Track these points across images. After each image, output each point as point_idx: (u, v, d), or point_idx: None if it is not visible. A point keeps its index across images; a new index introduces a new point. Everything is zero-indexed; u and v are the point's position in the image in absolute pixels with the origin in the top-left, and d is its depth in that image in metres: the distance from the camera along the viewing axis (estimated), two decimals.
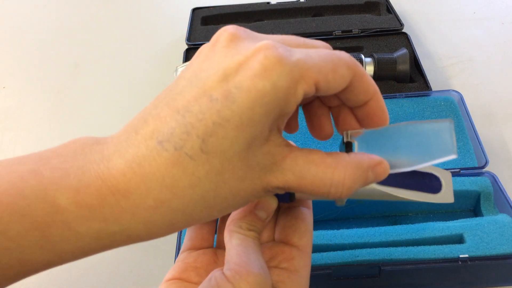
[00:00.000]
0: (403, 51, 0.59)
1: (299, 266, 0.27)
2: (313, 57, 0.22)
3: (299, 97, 0.21)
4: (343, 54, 0.23)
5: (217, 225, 0.32)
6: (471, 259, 0.39)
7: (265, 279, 0.24)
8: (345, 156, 0.23)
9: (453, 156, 0.23)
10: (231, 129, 0.20)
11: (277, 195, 0.28)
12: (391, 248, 0.40)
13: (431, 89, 0.56)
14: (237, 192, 0.22)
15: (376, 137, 0.26)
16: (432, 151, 0.24)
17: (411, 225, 0.42)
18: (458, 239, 0.41)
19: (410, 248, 0.40)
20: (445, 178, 0.27)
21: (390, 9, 0.71)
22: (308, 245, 0.29)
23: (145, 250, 0.47)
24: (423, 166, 0.24)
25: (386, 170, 0.24)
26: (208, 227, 0.31)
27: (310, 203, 0.30)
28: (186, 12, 0.74)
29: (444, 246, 0.40)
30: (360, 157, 0.24)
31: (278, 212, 0.30)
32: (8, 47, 0.78)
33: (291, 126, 0.28)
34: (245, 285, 0.23)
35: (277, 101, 0.20)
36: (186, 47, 0.67)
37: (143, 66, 0.71)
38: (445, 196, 0.27)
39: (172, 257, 0.42)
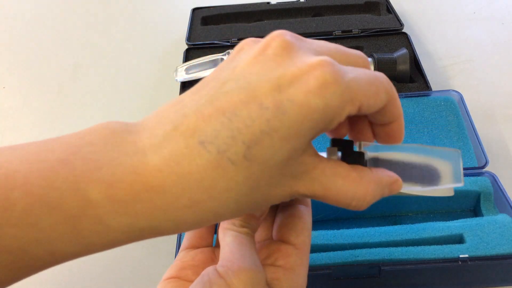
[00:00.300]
0: (403, 51, 0.59)
1: (296, 264, 0.27)
2: (361, 79, 0.22)
3: (343, 117, 0.22)
4: (383, 78, 0.24)
5: (216, 225, 0.32)
6: (471, 259, 0.39)
7: (257, 275, 0.24)
8: (368, 171, 0.24)
9: (460, 185, 0.25)
10: (278, 139, 0.20)
11: None
12: (391, 248, 0.40)
13: (431, 89, 0.56)
14: (268, 197, 0.22)
15: (385, 151, 0.26)
16: (441, 176, 0.25)
17: (411, 225, 0.42)
18: (458, 239, 0.41)
19: (410, 248, 0.40)
20: (446, 169, 0.27)
21: (390, 9, 0.71)
22: (305, 244, 0.28)
23: (145, 250, 0.47)
24: (430, 190, 0.25)
25: (400, 187, 0.26)
26: (207, 227, 0.31)
27: (308, 201, 0.30)
28: (186, 12, 0.74)
29: (444, 246, 0.40)
30: (381, 174, 0.25)
31: (276, 210, 0.30)
32: (8, 47, 0.78)
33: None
34: (237, 281, 0.23)
35: (324, 119, 0.21)
36: (186, 47, 0.67)
37: (143, 66, 0.71)
38: (445, 189, 0.26)
39: (172, 256, 0.42)
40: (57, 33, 0.80)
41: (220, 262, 0.25)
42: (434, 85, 0.58)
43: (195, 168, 0.20)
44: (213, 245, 0.32)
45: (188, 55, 0.65)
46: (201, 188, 0.21)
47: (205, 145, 0.20)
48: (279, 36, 0.23)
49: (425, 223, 0.42)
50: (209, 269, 0.25)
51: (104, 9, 0.85)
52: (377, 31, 0.66)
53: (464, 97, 0.53)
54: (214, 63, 0.59)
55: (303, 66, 0.21)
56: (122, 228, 0.21)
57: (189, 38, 0.68)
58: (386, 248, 0.40)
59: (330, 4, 0.73)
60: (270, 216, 0.30)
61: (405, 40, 0.65)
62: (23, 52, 0.76)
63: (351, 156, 0.26)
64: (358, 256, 0.39)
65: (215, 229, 0.32)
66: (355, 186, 0.24)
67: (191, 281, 0.28)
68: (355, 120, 0.27)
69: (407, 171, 0.26)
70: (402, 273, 0.40)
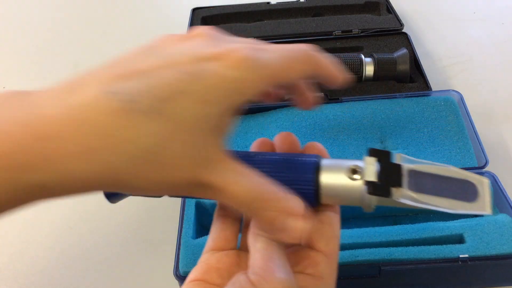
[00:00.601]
0: (403, 51, 0.59)
1: (325, 272, 0.27)
2: (275, 62, 0.24)
3: (256, 92, 0.23)
4: (300, 54, 0.26)
5: (241, 227, 0.31)
6: (471, 259, 0.39)
7: (290, 285, 0.24)
8: (270, 184, 0.25)
9: (489, 213, 0.25)
10: (193, 100, 0.21)
11: (303, 199, 0.27)
12: (391, 248, 0.40)
13: (431, 89, 0.56)
14: (172, 168, 0.21)
15: (424, 165, 0.26)
16: (478, 194, 0.26)
17: (411, 225, 0.42)
18: (458, 239, 0.41)
19: (410, 248, 0.40)
20: (482, 186, 0.26)
21: (390, 9, 0.71)
22: (335, 252, 0.28)
23: (145, 250, 0.47)
24: (459, 213, 0.25)
25: (301, 205, 0.25)
26: (232, 228, 0.30)
27: (337, 208, 0.29)
28: (186, 12, 0.74)
29: (444, 246, 0.40)
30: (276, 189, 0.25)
31: None
32: (8, 47, 0.78)
33: None
34: None
35: (239, 90, 0.22)
36: None
37: None
38: (481, 205, 0.26)
39: (172, 256, 0.42)
40: (57, 33, 0.80)
41: (251, 270, 0.24)
42: (434, 85, 0.58)
43: (99, 115, 0.19)
44: (237, 248, 0.31)
45: None
46: (99, 135, 0.19)
47: (116, 95, 0.20)
48: (203, 28, 0.25)
49: (425, 223, 0.42)
50: (240, 277, 0.24)
51: (104, 9, 0.85)
52: (377, 31, 0.66)
53: (464, 97, 0.53)
54: None
55: (223, 49, 0.23)
56: (5, 186, 0.19)
57: None
58: (386, 248, 0.40)
59: (330, 4, 0.73)
60: None
61: (405, 40, 0.65)
62: (23, 52, 0.76)
63: (388, 167, 0.26)
64: (358, 256, 0.39)
65: (239, 232, 0.31)
66: (260, 188, 0.24)
67: (216, 285, 0.27)
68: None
69: (444, 185, 0.26)
70: (402, 273, 0.40)
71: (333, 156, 0.50)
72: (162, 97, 0.20)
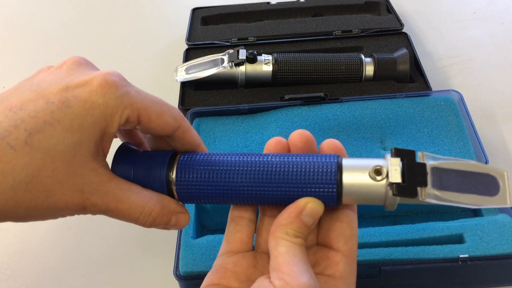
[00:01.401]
0: (403, 51, 0.59)
1: (345, 272, 0.27)
2: (145, 96, 0.27)
3: (122, 119, 0.25)
4: (174, 108, 0.28)
5: (256, 228, 0.31)
6: (471, 259, 0.39)
7: None
8: (159, 194, 0.28)
9: (509, 205, 0.26)
10: (61, 129, 0.22)
11: (322, 199, 0.27)
12: (391, 248, 0.40)
13: (431, 89, 0.56)
14: (51, 194, 0.23)
15: (448, 165, 0.26)
16: (500, 187, 0.26)
17: (411, 225, 0.42)
18: (458, 239, 0.41)
19: (410, 248, 0.40)
20: (502, 178, 0.26)
21: (390, 9, 0.71)
22: (354, 250, 0.28)
23: (145, 250, 0.47)
24: (482, 207, 0.25)
25: (186, 221, 0.29)
26: (247, 230, 0.30)
27: (354, 206, 0.29)
28: (186, 12, 0.74)
29: (444, 246, 0.40)
30: (170, 201, 0.28)
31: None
32: (8, 47, 0.78)
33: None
34: None
35: (104, 116, 0.24)
36: (186, 47, 0.67)
37: (143, 66, 0.71)
38: (502, 199, 0.26)
39: (172, 257, 0.42)
40: (57, 33, 0.80)
41: (275, 274, 0.24)
42: (434, 85, 0.58)
43: None
44: (252, 249, 0.30)
45: (188, 55, 0.65)
46: None
47: None
48: (73, 57, 0.27)
49: (425, 223, 0.42)
50: (264, 281, 0.24)
51: (104, 9, 0.85)
52: (377, 31, 0.66)
53: (464, 97, 0.53)
54: (214, 63, 0.59)
55: (90, 75, 0.25)
56: None
57: (189, 38, 0.68)
58: (386, 248, 0.40)
59: (330, 4, 0.73)
60: None
61: (405, 40, 0.65)
62: (23, 52, 0.76)
63: (413, 167, 0.26)
64: (358, 256, 0.39)
65: (254, 233, 0.31)
66: (145, 203, 0.26)
67: None
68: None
69: (466, 180, 0.26)
70: (402, 273, 0.40)
71: None
72: (30, 129, 0.22)
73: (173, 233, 0.45)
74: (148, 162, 0.29)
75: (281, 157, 0.28)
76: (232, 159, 0.28)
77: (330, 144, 0.29)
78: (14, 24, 0.83)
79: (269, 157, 0.28)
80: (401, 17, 0.68)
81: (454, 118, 0.52)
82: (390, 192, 0.26)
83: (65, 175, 0.23)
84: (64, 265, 0.46)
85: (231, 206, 0.31)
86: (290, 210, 0.26)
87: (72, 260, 0.46)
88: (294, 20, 0.71)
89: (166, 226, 0.29)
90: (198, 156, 0.29)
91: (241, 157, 0.28)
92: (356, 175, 0.27)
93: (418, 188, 0.25)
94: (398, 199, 0.26)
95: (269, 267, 0.25)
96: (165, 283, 0.44)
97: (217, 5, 0.75)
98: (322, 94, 0.55)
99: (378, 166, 0.26)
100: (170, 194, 0.29)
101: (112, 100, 0.24)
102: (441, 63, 0.67)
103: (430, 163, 0.26)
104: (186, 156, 0.29)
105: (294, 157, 0.28)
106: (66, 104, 0.23)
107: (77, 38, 0.78)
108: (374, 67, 0.58)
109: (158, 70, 0.70)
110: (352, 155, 0.50)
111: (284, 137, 0.30)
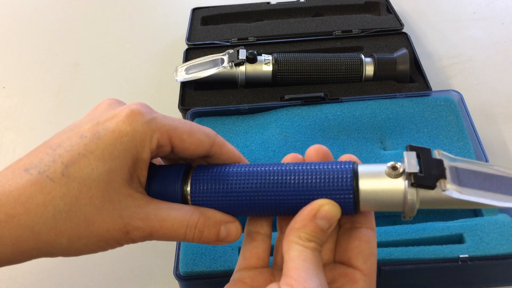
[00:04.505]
0: (403, 51, 0.59)
1: None
2: (172, 120, 0.28)
3: (153, 144, 0.26)
4: (204, 127, 0.29)
5: (273, 246, 0.31)
6: (471, 259, 0.39)
7: None
8: (199, 207, 0.28)
9: None
10: (94, 159, 0.24)
11: (341, 207, 0.26)
12: (391, 248, 0.40)
13: (431, 89, 0.56)
14: (92, 222, 0.24)
15: (466, 165, 0.26)
16: None
17: (411, 225, 0.42)
18: (458, 239, 0.41)
19: (410, 248, 0.40)
20: None
21: (390, 9, 0.71)
22: (373, 270, 0.28)
23: (145, 250, 0.47)
24: (507, 206, 0.25)
25: (238, 231, 0.29)
26: (263, 245, 0.30)
27: (373, 224, 0.29)
28: (186, 12, 0.74)
29: (444, 246, 0.40)
30: (213, 212, 0.28)
31: (338, 231, 0.29)
32: (8, 47, 0.78)
33: None
34: None
35: (134, 143, 0.25)
36: (186, 47, 0.67)
37: (143, 66, 0.71)
38: None
39: (172, 257, 0.42)
40: (57, 33, 0.80)
41: (283, 280, 0.24)
42: (434, 85, 0.58)
43: (15, 187, 0.23)
44: (269, 266, 0.30)
45: (188, 55, 0.65)
46: (17, 203, 0.23)
47: (28, 170, 0.24)
48: (107, 99, 0.28)
49: (425, 223, 0.42)
50: (273, 286, 0.24)
51: (104, 9, 0.85)
52: (377, 31, 0.66)
53: (464, 97, 0.53)
54: (214, 63, 0.59)
55: (119, 110, 0.26)
56: None
57: (189, 38, 0.68)
58: (386, 248, 0.40)
59: (330, 4, 0.73)
60: (331, 237, 0.29)
61: (405, 40, 0.65)
62: (23, 52, 0.76)
63: (430, 162, 0.25)
64: None
65: (270, 249, 0.31)
66: (188, 216, 0.26)
67: None
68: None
69: (488, 181, 0.25)
70: (402, 273, 0.40)
71: (333, 155, 0.50)
72: (66, 162, 0.24)
73: None
74: (162, 176, 0.29)
75: (295, 166, 0.28)
76: (246, 170, 0.28)
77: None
78: (14, 24, 0.83)
79: (283, 166, 0.28)
80: (401, 17, 0.68)
81: (454, 118, 0.52)
82: (408, 186, 0.25)
83: (102, 202, 0.24)
84: (64, 265, 0.46)
85: (247, 221, 0.31)
86: (304, 213, 0.26)
87: (72, 260, 0.46)
88: (294, 20, 0.71)
89: (217, 239, 0.28)
90: (212, 168, 0.29)
91: (255, 167, 0.28)
92: (373, 176, 0.26)
93: (439, 180, 0.24)
94: (417, 200, 0.25)
95: None
96: (165, 283, 0.44)
97: (217, 5, 0.75)
98: (322, 94, 0.55)
99: (394, 162, 0.26)
100: None
101: (140, 127, 0.25)
102: (441, 63, 0.67)
103: (448, 161, 0.25)
104: (201, 169, 0.29)
105: (308, 165, 0.28)
106: (97, 136, 0.25)
107: (77, 38, 0.78)
108: (374, 67, 0.58)
109: (158, 70, 0.70)
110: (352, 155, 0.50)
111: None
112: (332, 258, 0.29)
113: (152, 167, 0.29)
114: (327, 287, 0.24)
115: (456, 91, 0.54)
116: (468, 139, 0.50)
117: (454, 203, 0.25)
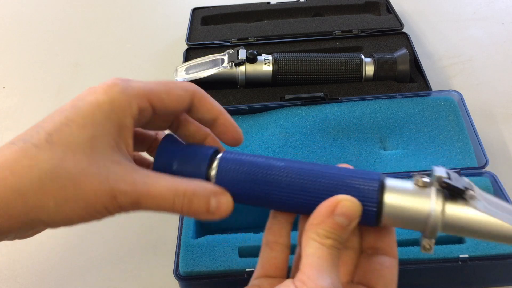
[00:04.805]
0: (403, 51, 0.59)
1: None
2: (148, 83, 0.28)
3: (134, 109, 0.27)
4: (183, 82, 0.29)
5: (291, 258, 0.31)
6: (471, 259, 0.39)
7: None
8: (192, 179, 0.28)
9: None
10: (75, 127, 0.25)
11: (362, 217, 0.26)
12: None
13: (431, 89, 0.56)
14: (78, 184, 0.24)
15: (488, 197, 0.26)
16: None
17: None
18: (458, 239, 0.41)
19: (410, 248, 0.40)
20: None
21: (390, 9, 0.71)
22: None
23: (145, 250, 0.47)
24: None
25: (229, 204, 0.27)
26: (282, 256, 0.30)
27: (396, 253, 0.29)
28: (186, 12, 0.74)
29: (444, 246, 0.40)
30: (203, 182, 0.28)
31: (360, 254, 0.29)
32: (8, 47, 0.78)
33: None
34: None
35: (114, 111, 0.26)
36: (186, 47, 0.67)
37: (143, 66, 0.71)
38: None
39: (172, 256, 0.41)
40: (57, 33, 0.80)
41: (298, 275, 0.24)
42: (434, 85, 0.58)
43: (3, 156, 0.24)
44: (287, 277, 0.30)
45: (188, 55, 0.65)
46: (3, 168, 0.24)
47: (14, 142, 0.25)
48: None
49: None
50: (287, 282, 0.24)
51: (104, 9, 0.85)
52: (377, 31, 0.66)
53: (464, 97, 0.53)
54: (214, 63, 0.59)
55: (97, 86, 0.27)
56: None
57: (189, 38, 0.68)
58: None
59: (330, 4, 0.73)
60: (351, 261, 0.29)
61: (405, 40, 0.65)
62: (23, 52, 0.76)
63: (458, 177, 0.25)
64: None
65: (288, 258, 0.30)
66: (177, 184, 0.26)
67: None
68: (183, 123, 0.31)
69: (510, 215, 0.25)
70: (402, 273, 0.40)
71: (333, 155, 0.50)
72: (49, 131, 0.25)
73: (173, 233, 0.45)
74: (189, 157, 0.29)
75: (326, 168, 0.27)
76: (276, 163, 0.28)
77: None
78: (14, 24, 0.83)
79: (313, 166, 0.28)
80: (401, 17, 0.68)
81: (454, 118, 0.52)
82: (436, 193, 0.25)
83: (88, 165, 0.25)
84: (64, 265, 0.46)
85: (265, 230, 0.30)
86: (321, 209, 0.25)
87: (72, 260, 0.46)
88: (294, 20, 0.71)
89: (208, 212, 0.27)
90: (241, 156, 0.29)
91: (284, 162, 0.28)
92: (400, 186, 0.26)
93: (466, 190, 0.24)
94: (440, 219, 0.25)
95: None
96: (165, 283, 0.44)
97: (217, 5, 0.75)
98: (322, 94, 0.55)
99: (422, 175, 0.26)
100: None
101: (117, 95, 0.26)
102: (441, 63, 0.67)
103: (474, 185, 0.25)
104: (229, 154, 0.29)
105: (333, 170, 0.27)
106: (76, 107, 0.26)
107: (77, 38, 0.78)
108: (374, 67, 0.58)
109: (158, 70, 0.70)
110: (352, 155, 0.50)
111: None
112: (351, 279, 0.29)
113: (179, 145, 0.30)
114: (340, 286, 0.24)
115: (456, 91, 0.54)
116: (468, 139, 0.50)
117: (477, 224, 0.24)
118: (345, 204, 0.25)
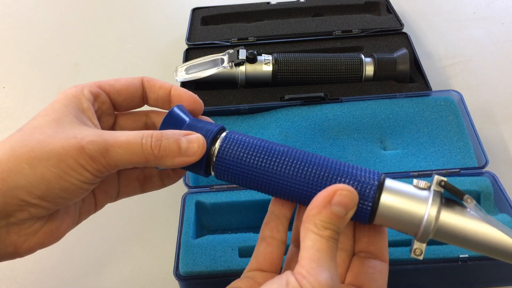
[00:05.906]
0: (403, 51, 0.59)
1: None
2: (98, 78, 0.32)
3: (86, 94, 0.30)
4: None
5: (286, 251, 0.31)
6: (471, 259, 0.39)
7: (333, 286, 0.23)
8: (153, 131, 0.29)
9: None
10: (40, 117, 0.29)
11: (356, 213, 0.26)
12: (391, 248, 0.40)
13: (431, 89, 0.56)
14: (46, 144, 0.26)
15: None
16: None
17: None
18: None
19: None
20: None
21: (390, 9, 0.71)
22: None
23: (145, 250, 0.47)
24: None
25: (199, 141, 0.28)
26: (277, 251, 0.30)
27: (386, 256, 0.29)
28: (186, 12, 0.74)
29: (444, 246, 0.40)
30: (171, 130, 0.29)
31: (352, 257, 0.29)
32: (8, 47, 0.78)
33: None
34: None
35: (70, 100, 0.30)
36: (186, 47, 0.67)
37: (143, 66, 0.71)
38: None
39: (172, 256, 0.42)
40: (57, 33, 0.80)
41: (297, 268, 0.24)
42: (434, 85, 0.58)
43: None
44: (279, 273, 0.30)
45: (188, 55, 0.65)
46: None
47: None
48: None
49: None
50: (288, 274, 0.24)
51: (104, 9, 0.85)
52: (377, 31, 0.66)
53: (464, 97, 0.53)
54: (214, 63, 0.59)
55: None
56: None
57: (189, 38, 0.68)
58: None
59: (330, 4, 0.73)
60: (344, 263, 0.29)
61: (405, 40, 0.65)
62: (23, 52, 0.76)
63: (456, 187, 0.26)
64: None
65: (283, 255, 0.31)
66: (143, 130, 0.28)
67: None
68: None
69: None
70: (402, 273, 0.40)
71: (333, 155, 0.50)
72: (21, 127, 0.29)
73: (173, 233, 0.45)
74: (194, 131, 0.29)
75: (329, 161, 0.28)
76: (280, 148, 0.28)
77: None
78: (14, 24, 0.83)
79: (315, 157, 0.28)
80: (401, 17, 0.68)
81: (454, 118, 0.52)
82: (433, 194, 0.25)
83: (54, 132, 0.27)
84: (64, 265, 0.46)
85: (262, 225, 0.31)
86: (318, 199, 0.25)
87: (72, 260, 0.46)
88: (294, 20, 0.71)
89: (180, 152, 0.27)
90: (244, 137, 0.29)
91: (287, 148, 0.28)
92: (398, 187, 0.26)
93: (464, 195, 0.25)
94: (433, 222, 0.25)
95: None
96: (165, 283, 0.44)
97: (217, 5, 0.75)
98: (322, 94, 0.55)
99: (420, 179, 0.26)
100: (208, 167, 0.29)
101: (69, 89, 0.30)
102: (441, 63, 0.67)
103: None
104: (233, 134, 0.29)
105: (340, 165, 0.28)
106: (40, 110, 0.30)
107: (77, 38, 0.78)
108: (374, 67, 0.58)
109: (158, 70, 0.70)
110: (352, 155, 0.50)
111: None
112: (342, 282, 0.29)
113: (185, 119, 0.30)
114: (338, 279, 0.24)
115: (456, 91, 0.54)
116: (468, 139, 0.50)
117: (473, 232, 0.25)
118: (342, 193, 0.25)
